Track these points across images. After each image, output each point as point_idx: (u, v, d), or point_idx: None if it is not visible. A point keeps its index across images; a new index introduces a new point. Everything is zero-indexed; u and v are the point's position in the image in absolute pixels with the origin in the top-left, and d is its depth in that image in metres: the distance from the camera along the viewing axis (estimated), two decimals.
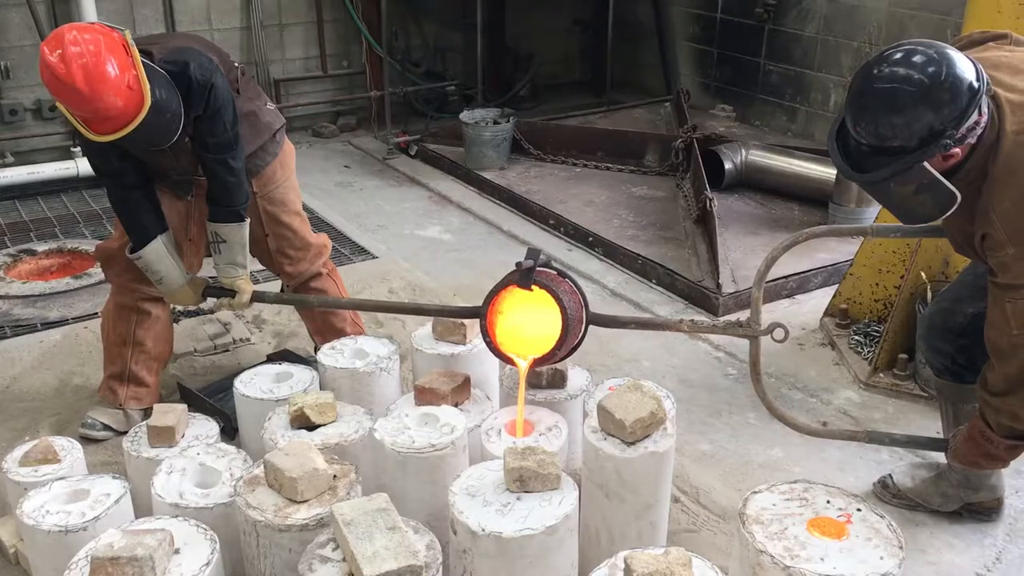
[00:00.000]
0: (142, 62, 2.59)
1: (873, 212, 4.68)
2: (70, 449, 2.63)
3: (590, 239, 4.87)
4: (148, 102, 2.58)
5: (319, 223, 5.20)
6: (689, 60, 7.39)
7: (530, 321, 2.59)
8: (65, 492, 2.39)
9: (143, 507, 2.54)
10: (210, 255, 3.14)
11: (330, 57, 6.96)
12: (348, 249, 4.87)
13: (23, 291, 4.27)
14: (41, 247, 4.77)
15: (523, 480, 2.19)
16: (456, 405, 2.75)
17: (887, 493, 2.87)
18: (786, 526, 2.10)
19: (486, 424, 2.64)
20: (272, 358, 3.54)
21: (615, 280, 4.52)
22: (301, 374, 2.97)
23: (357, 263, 4.69)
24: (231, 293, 3.10)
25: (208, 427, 2.79)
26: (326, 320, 3.46)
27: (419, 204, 5.62)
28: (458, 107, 7.05)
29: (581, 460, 2.87)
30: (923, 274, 3.37)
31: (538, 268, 2.53)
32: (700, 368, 3.72)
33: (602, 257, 4.76)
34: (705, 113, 6.97)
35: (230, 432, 3.15)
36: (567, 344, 2.55)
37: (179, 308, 3.82)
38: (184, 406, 2.79)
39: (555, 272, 2.63)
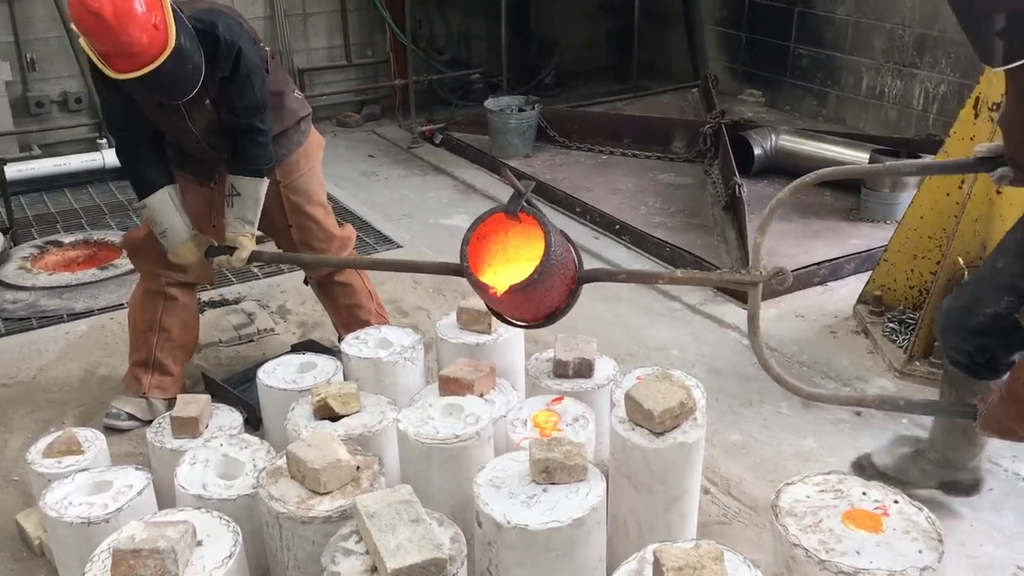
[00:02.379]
0: (172, 10, 2.59)
1: (906, 198, 4.56)
2: (94, 440, 2.62)
3: (617, 227, 4.81)
4: (172, 44, 2.56)
5: (343, 212, 5.17)
6: (717, 44, 7.28)
7: (514, 270, 2.33)
8: (88, 483, 2.38)
9: (167, 498, 2.52)
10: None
11: (354, 46, 6.94)
12: (372, 238, 4.83)
13: (49, 282, 4.28)
14: (67, 238, 4.78)
15: (549, 471, 2.14)
16: (481, 395, 2.71)
17: (864, 474, 2.75)
18: (820, 519, 2.04)
19: (511, 414, 2.60)
20: (296, 348, 3.52)
21: (642, 268, 4.44)
22: (324, 364, 2.94)
23: (381, 252, 4.66)
24: (231, 251, 3.01)
25: (232, 418, 2.77)
26: (351, 313, 3.43)
27: (444, 193, 5.57)
28: (482, 95, 7.00)
29: (608, 451, 2.83)
30: (960, 260, 3.28)
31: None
32: (730, 357, 3.65)
33: (629, 245, 4.70)
34: (733, 98, 6.87)
35: (254, 423, 3.13)
36: (550, 282, 2.24)
37: (202, 297, 3.78)
38: (208, 397, 2.77)
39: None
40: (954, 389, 2.64)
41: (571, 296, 2.39)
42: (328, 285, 3.39)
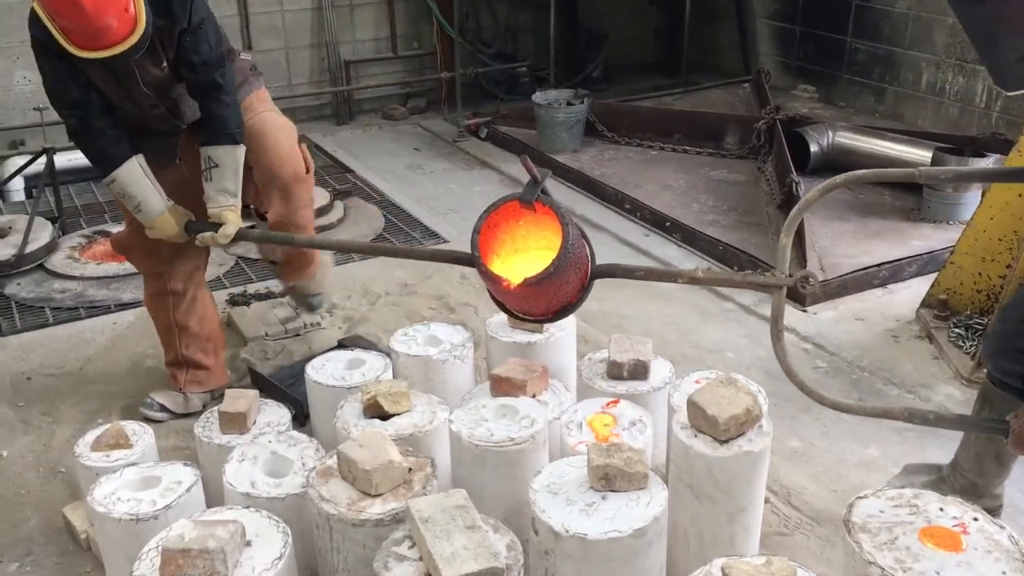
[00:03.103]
0: None
1: (971, 198, 4.41)
2: (142, 434, 2.59)
3: (667, 224, 4.70)
4: (141, 28, 2.49)
5: (389, 206, 5.13)
6: (769, 38, 7.12)
7: (523, 260, 2.22)
8: (136, 479, 2.34)
9: (214, 494, 2.48)
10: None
11: (400, 38, 6.89)
12: (419, 232, 4.77)
13: (97, 272, 4.28)
14: (116, 228, 4.78)
15: (609, 479, 2.05)
16: (533, 396, 2.63)
17: None
18: (896, 536, 1.93)
19: (565, 417, 2.52)
20: (343, 343, 3.47)
21: (694, 267, 4.33)
22: (373, 361, 2.88)
23: (428, 247, 4.60)
24: (215, 228, 2.84)
25: (280, 414, 2.72)
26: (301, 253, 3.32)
27: (490, 187, 5.50)
28: (529, 88, 6.92)
29: (665, 456, 2.74)
30: None
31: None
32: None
33: (680, 243, 4.59)
34: (786, 94, 6.71)
35: (301, 419, 3.08)
36: (565, 276, 2.13)
37: (234, 291, 3.65)
38: (256, 392, 2.73)
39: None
40: (993, 410, 2.50)
41: (583, 291, 2.28)
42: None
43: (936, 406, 3.20)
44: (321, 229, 4.71)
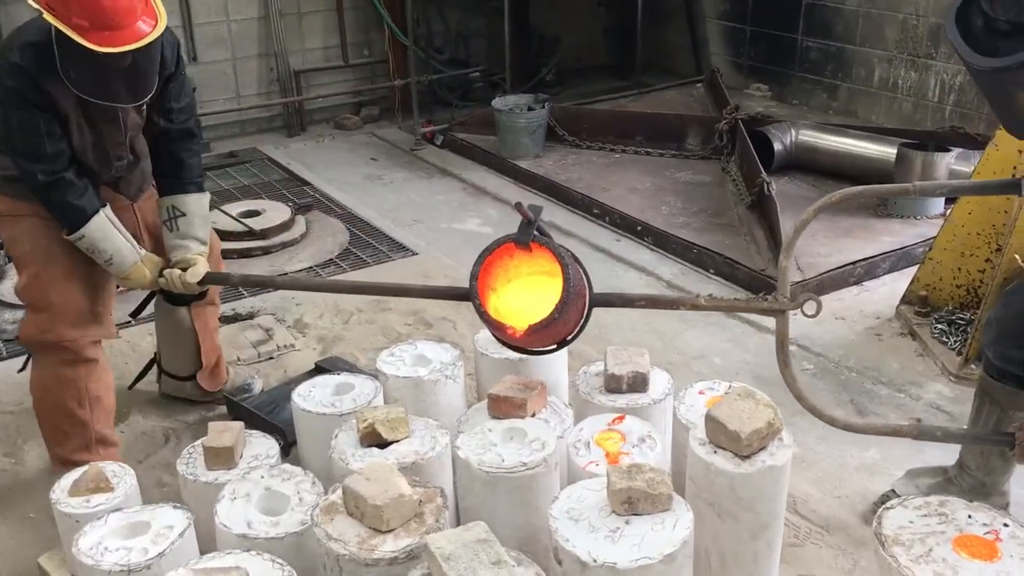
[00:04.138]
0: None
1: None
2: (123, 475, 2.43)
3: (639, 228, 4.65)
4: (163, 23, 2.35)
5: (351, 218, 4.99)
6: (719, 38, 7.14)
7: (526, 303, 2.27)
8: (123, 525, 2.19)
9: (204, 536, 2.34)
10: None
11: (351, 46, 6.74)
12: (386, 246, 4.65)
13: None
14: None
15: (632, 502, 1.97)
16: (533, 415, 2.54)
17: None
18: (930, 547, 1.89)
19: (571, 436, 2.43)
20: (321, 366, 3.33)
21: (670, 271, 4.30)
22: (363, 385, 2.76)
23: (397, 260, 4.48)
24: (185, 269, 2.73)
25: (267, 445, 2.59)
26: (214, 336, 3.20)
27: (453, 196, 5.39)
28: (483, 94, 6.84)
29: (670, 467, 2.67)
30: (1018, 257, 3.14)
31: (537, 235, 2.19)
32: (774, 363, 3.44)
33: (653, 247, 4.54)
34: (739, 93, 6.73)
35: (285, 450, 2.95)
36: (568, 315, 2.18)
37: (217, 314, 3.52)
38: (241, 424, 2.59)
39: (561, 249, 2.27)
40: (995, 406, 2.49)
41: (584, 321, 2.32)
42: (202, 305, 3.08)
43: (927, 404, 3.20)
44: (285, 245, 4.57)
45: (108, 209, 2.62)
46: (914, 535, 1.93)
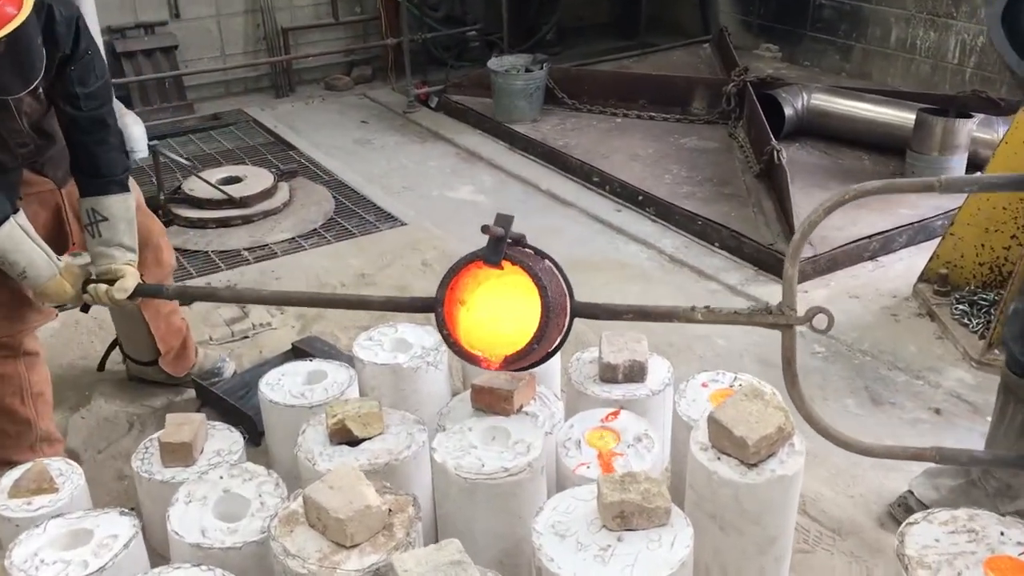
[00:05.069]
0: None
1: (957, 162, 4.20)
2: (69, 474, 2.22)
3: (640, 198, 4.40)
4: (28, 5, 2.03)
5: (339, 186, 4.74)
6: None
7: (499, 313, 2.11)
8: (63, 533, 1.98)
9: (158, 538, 2.14)
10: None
11: (342, 2, 6.46)
12: (373, 215, 4.40)
13: None
14: None
15: (625, 516, 1.76)
16: (520, 408, 2.32)
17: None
18: (959, 570, 1.69)
19: (561, 433, 2.22)
20: (298, 348, 3.12)
21: (672, 244, 4.05)
22: (336, 373, 2.54)
23: (384, 231, 4.24)
24: (110, 283, 2.41)
25: (231, 439, 2.38)
26: (169, 322, 2.93)
27: (446, 162, 5.14)
28: (479, 54, 6.55)
29: (668, 466, 2.47)
30: None
31: (511, 245, 2.02)
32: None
33: (655, 218, 4.29)
34: (748, 54, 6.43)
35: (255, 438, 2.74)
36: (548, 338, 2.03)
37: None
38: (202, 416, 2.38)
39: (531, 250, 2.11)
40: (1014, 402, 2.25)
41: (566, 333, 2.14)
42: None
43: (946, 392, 2.97)
44: (266, 214, 4.33)
45: (21, 216, 2.31)
46: (941, 556, 1.72)
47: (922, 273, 3.50)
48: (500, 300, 2.10)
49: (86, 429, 2.90)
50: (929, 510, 1.85)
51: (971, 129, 4.19)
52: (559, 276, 2.12)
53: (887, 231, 3.87)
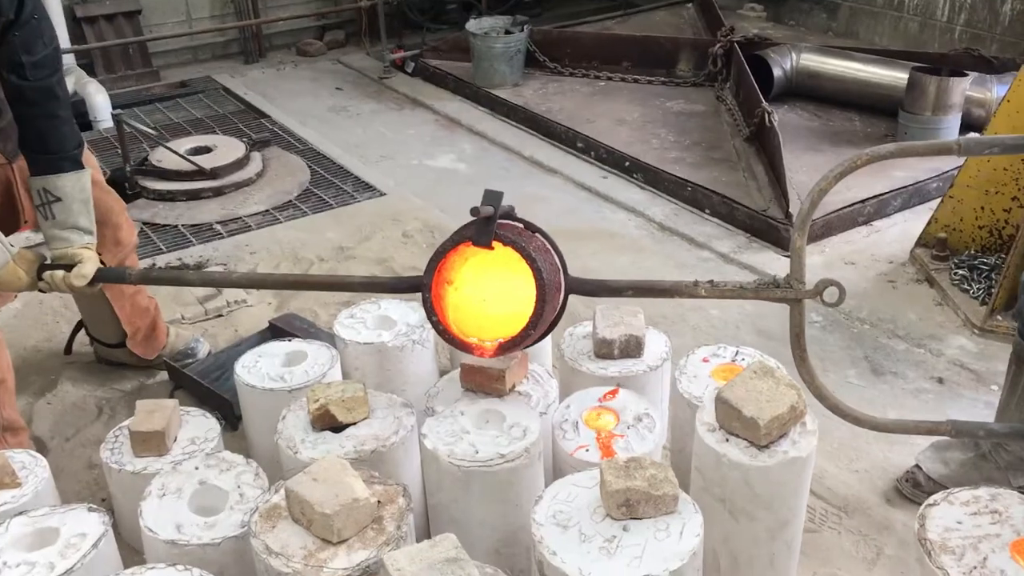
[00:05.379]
0: None
1: (952, 122, 4.10)
2: (33, 467, 2.07)
3: (627, 164, 4.26)
4: None
5: (314, 156, 4.57)
6: None
7: (489, 290, 2.00)
8: (27, 533, 1.84)
9: (131, 533, 2.02)
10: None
11: None
12: (351, 186, 4.24)
13: None
14: None
15: (631, 505, 1.65)
16: (513, 387, 2.20)
17: (921, 492, 2.30)
18: (984, 555, 1.59)
19: (557, 415, 2.10)
20: (275, 325, 2.98)
21: (662, 212, 3.93)
22: (317, 354, 2.41)
23: (363, 202, 4.08)
24: (67, 268, 2.26)
25: (206, 426, 2.24)
26: (135, 302, 2.78)
27: (425, 129, 4.97)
28: (457, 16, 6.37)
29: (667, 444, 2.37)
30: None
31: (500, 220, 1.90)
32: (779, 314, 3.10)
33: (643, 185, 4.16)
34: (732, 13, 6.29)
35: (232, 421, 2.61)
36: (544, 320, 1.93)
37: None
38: (175, 402, 2.23)
39: (522, 225, 1.98)
40: None
41: (561, 311, 2.03)
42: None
43: (949, 361, 2.89)
44: (239, 186, 4.16)
45: None
46: (964, 540, 1.62)
47: (919, 238, 3.41)
48: (490, 275, 1.97)
49: (52, 416, 2.75)
50: (948, 490, 1.75)
51: (965, 88, 4.08)
52: (552, 252, 1.99)
53: (881, 194, 3.76)
